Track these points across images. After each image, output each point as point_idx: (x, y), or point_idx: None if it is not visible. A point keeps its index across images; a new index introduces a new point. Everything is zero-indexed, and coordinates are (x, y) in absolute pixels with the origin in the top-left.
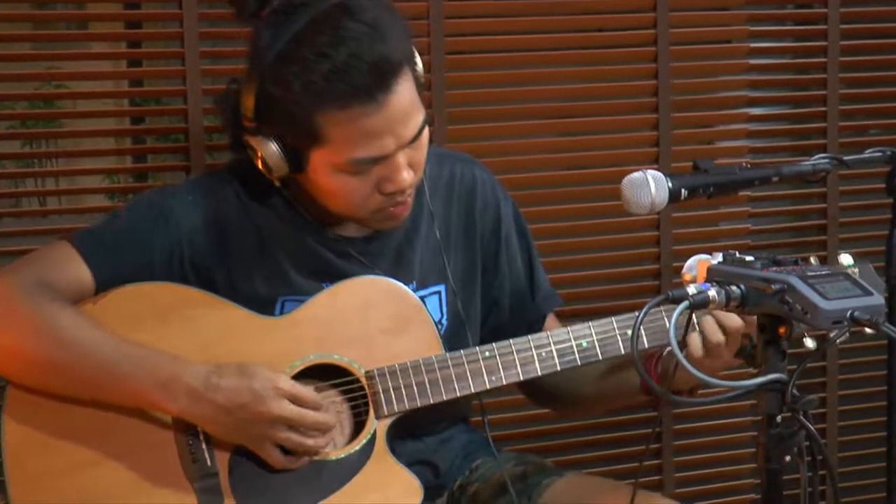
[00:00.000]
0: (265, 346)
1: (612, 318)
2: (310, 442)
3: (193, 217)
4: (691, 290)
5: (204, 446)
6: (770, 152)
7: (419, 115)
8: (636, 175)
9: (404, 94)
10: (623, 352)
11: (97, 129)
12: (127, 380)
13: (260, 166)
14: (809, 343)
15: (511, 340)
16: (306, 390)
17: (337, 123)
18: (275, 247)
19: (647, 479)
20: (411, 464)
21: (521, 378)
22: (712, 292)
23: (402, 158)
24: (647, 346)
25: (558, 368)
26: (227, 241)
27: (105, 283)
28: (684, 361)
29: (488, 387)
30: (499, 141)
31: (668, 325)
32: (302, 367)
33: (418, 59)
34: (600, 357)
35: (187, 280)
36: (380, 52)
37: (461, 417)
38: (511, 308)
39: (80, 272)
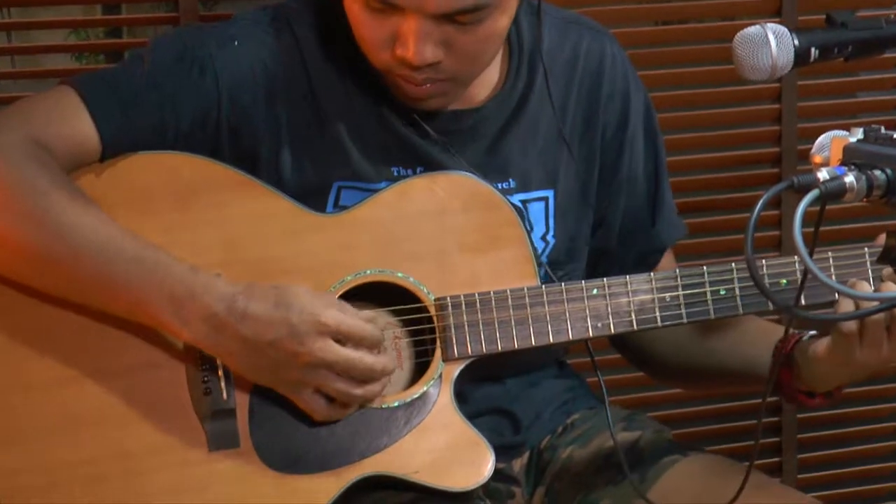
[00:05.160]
0: (309, 250)
1: (764, 260)
2: (359, 392)
3: (239, 68)
4: (822, 174)
5: (221, 373)
6: None
7: None
8: (753, 30)
9: None
10: (772, 307)
11: None
12: (129, 287)
13: None
14: None
15: (628, 277)
16: (360, 325)
17: None
18: (336, 118)
19: (765, 440)
20: (483, 413)
21: (636, 328)
22: (849, 178)
23: (414, 25)
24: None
25: (684, 320)
26: (277, 103)
27: (114, 147)
28: (812, 266)
29: (591, 335)
30: None
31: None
32: (354, 284)
33: None
34: (741, 311)
35: (220, 152)
36: None
37: (555, 358)
38: (622, 231)
39: (83, 130)
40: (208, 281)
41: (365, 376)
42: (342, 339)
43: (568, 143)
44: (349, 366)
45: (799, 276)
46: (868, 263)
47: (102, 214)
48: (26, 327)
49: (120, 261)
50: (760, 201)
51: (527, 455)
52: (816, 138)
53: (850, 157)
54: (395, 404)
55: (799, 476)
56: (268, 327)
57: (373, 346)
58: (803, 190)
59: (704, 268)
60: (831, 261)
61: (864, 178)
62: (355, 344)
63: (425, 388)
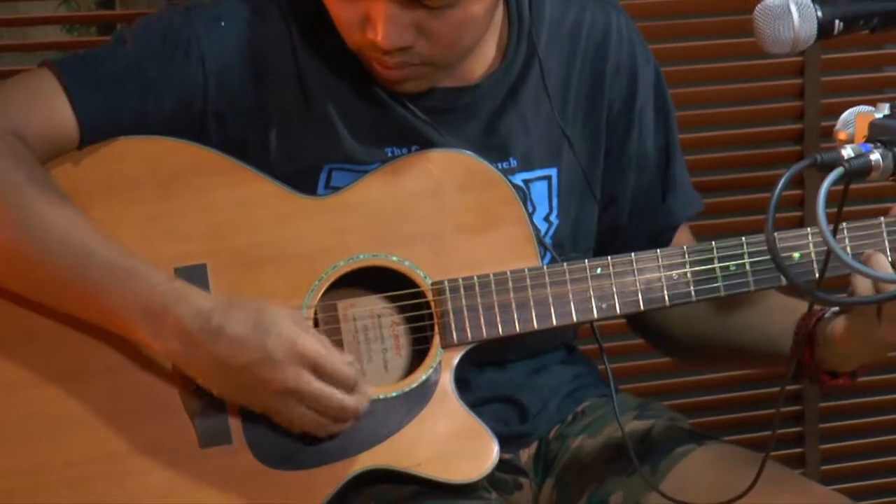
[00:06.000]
0: (299, 236)
1: (775, 233)
2: (327, 428)
3: (225, 49)
4: (847, 151)
5: None
6: None
7: None
8: (774, 1)
9: None
10: (784, 282)
11: None
12: (100, 295)
13: None
14: None
15: (633, 254)
16: (338, 362)
17: None
18: (326, 98)
19: (786, 430)
20: (488, 401)
21: (643, 308)
22: (875, 155)
23: (383, 9)
24: (816, 267)
25: (693, 298)
26: (264, 84)
27: (93, 132)
28: (836, 247)
29: (596, 316)
30: None
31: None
32: (346, 270)
33: None
34: (752, 287)
35: (206, 136)
36: None
37: (562, 342)
38: (633, 208)
39: (61, 116)
40: (185, 292)
41: (335, 415)
42: (318, 372)
43: (567, 135)
44: (320, 401)
45: (812, 248)
46: (885, 234)
47: (78, 215)
48: (6, 325)
49: (92, 266)
50: (782, 180)
51: (535, 445)
52: (840, 114)
53: (876, 134)
54: (394, 394)
55: (823, 467)
56: (242, 350)
57: (348, 387)
58: (827, 168)
59: (713, 243)
60: (846, 232)
61: (890, 155)
62: (330, 381)
63: (424, 377)
